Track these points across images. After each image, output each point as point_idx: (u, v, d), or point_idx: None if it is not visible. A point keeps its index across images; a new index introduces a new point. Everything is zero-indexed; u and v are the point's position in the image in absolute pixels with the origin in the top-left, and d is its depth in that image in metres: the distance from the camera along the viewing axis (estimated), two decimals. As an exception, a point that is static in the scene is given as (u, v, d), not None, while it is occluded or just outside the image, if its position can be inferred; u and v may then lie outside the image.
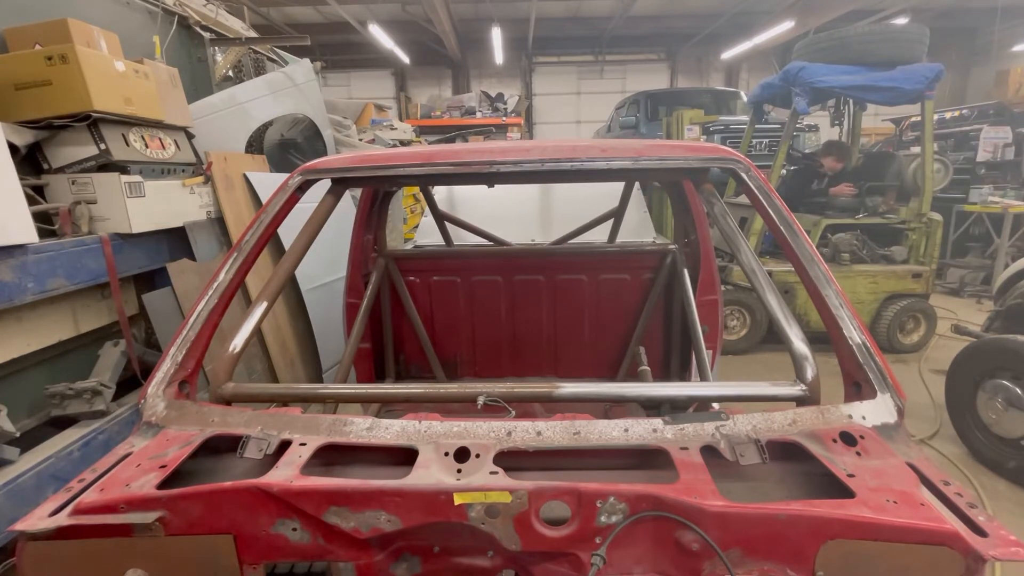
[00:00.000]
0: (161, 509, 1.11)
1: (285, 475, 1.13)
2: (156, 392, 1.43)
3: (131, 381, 2.72)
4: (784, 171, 6.06)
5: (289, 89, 4.42)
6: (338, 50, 15.46)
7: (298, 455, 1.20)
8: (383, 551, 1.17)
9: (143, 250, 2.86)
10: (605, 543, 1.08)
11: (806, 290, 1.52)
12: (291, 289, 3.76)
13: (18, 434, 2.23)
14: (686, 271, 2.75)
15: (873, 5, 12.07)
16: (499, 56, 15.33)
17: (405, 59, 15.45)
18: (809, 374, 1.35)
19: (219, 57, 4.42)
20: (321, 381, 3.87)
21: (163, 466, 1.20)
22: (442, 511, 1.10)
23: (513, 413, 1.32)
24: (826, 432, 1.24)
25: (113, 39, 2.88)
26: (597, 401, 2.39)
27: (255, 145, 4.35)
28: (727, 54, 15.50)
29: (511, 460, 1.19)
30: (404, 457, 1.21)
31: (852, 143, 6.34)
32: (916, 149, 6.18)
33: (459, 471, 1.14)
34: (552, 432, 1.25)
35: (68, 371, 2.61)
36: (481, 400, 1.34)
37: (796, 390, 1.35)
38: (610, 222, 3.38)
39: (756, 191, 1.64)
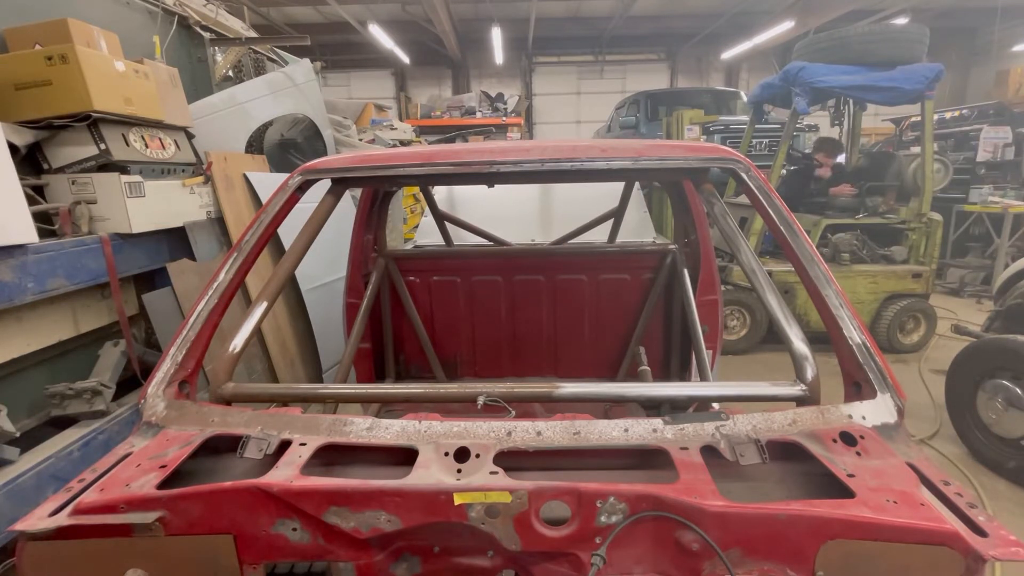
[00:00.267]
0: (161, 509, 1.11)
1: (285, 475, 1.13)
2: (156, 392, 1.43)
3: (131, 381, 2.72)
4: (784, 171, 6.06)
5: (289, 89, 4.42)
6: (338, 50, 15.46)
7: (298, 455, 1.20)
8: (383, 551, 1.17)
9: (143, 250, 2.86)
10: (605, 543, 1.08)
11: (806, 290, 1.52)
12: (291, 289, 3.76)
13: (18, 434, 2.23)
14: (686, 271, 2.75)
15: (873, 5, 12.07)
16: (499, 56, 15.33)
17: (405, 59, 15.45)
18: (809, 374, 1.35)
19: (219, 57, 4.42)
20: (321, 381, 3.87)
21: (163, 466, 1.20)
22: (442, 511, 1.10)
23: (513, 413, 1.32)
24: (826, 432, 1.24)
25: (113, 39, 2.88)
26: (597, 401, 2.38)
27: (255, 145, 4.35)
28: (727, 54, 15.50)
29: (511, 460, 1.19)
30: (404, 457, 1.21)
31: (852, 143, 6.34)
32: (916, 149, 6.18)
33: (459, 471, 1.14)
34: (552, 432, 1.25)
35: (68, 371, 2.61)
36: (481, 400, 1.34)
37: (796, 390, 1.35)
38: (610, 222, 3.38)
39: (756, 191, 1.64)
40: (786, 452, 1.24)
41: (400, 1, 12.82)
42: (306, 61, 4.84)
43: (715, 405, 1.51)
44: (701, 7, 14.37)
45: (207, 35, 4.19)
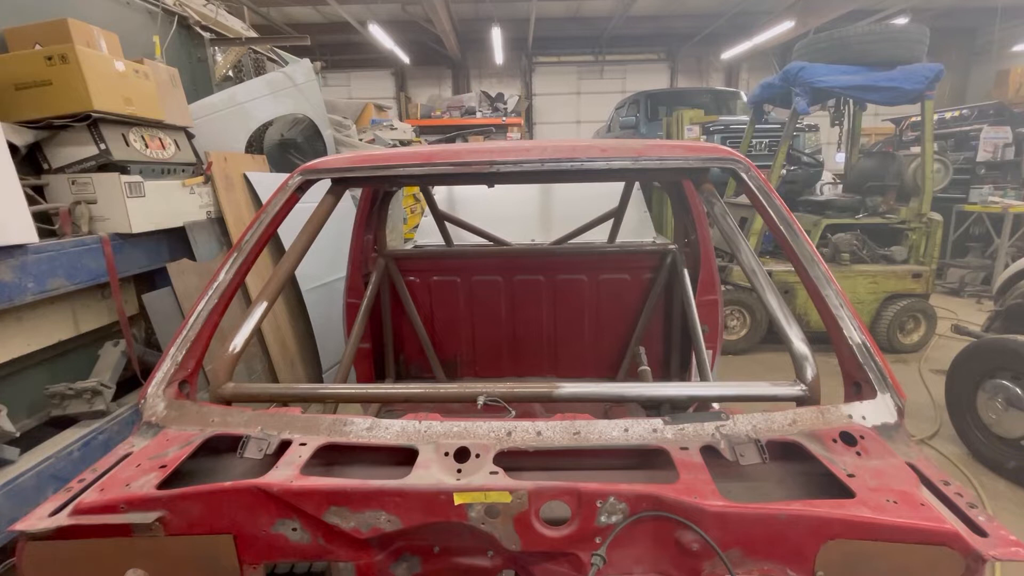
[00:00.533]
0: (161, 509, 1.11)
1: (285, 475, 1.13)
2: (156, 392, 1.43)
3: (131, 381, 2.72)
4: (784, 171, 6.06)
5: (289, 89, 4.42)
6: (338, 50, 15.45)
7: (298, 455, 1.20)
8: (383, 551, 1.17)
9: (143, 250, 2.86)
10: (605, 543, 1.08)
11: (806, 290, 1.52)
12: (291, 289, 3.76)
13: (18, 434, 2.23)
14: (686, 271, 2.75)
15: (873, 5, 12.07)
16: (499, 56, 15.33)
17: (405, 59, 15.45)
18: (809, 374, 1.35)
19: (219, 57, 4.42)
20: (321, 381, 3.87)
21: (163, 466, 1.20)
22: (442, 511, 1.10)
23: (513, 413, 1.31)
24: (826, 432, 1.24)
25: (113, 39, 2.88)
26: (597, 401, 2.39)
27: (255, 145, 4.35)
28: (727, 54, 15.50)
29: (511, 460, 1.19)
30: (404, 457, 1.21)
31: (852, 143, 6.33)
32: (916, 149, 6.18)
33: (459, 471, 1.14)
34: (552, 432, 1.25)
35: (68, 371, 2.61)
36: (481, 400, 1.34)
37: (796, 390, 1.35)
38: (610, 222, 3.38)
39: (756, 191, 1.64)
40: (786, 452, 1.24)
41: (400, 1, 12.81)
42: (306, 61, 4.84)
43: (715, 405, 1.51)
44: (701, 7, 14.37)
45: (207, 35, 4.19)
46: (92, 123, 2.63)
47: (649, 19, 15.11)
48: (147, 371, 2.35)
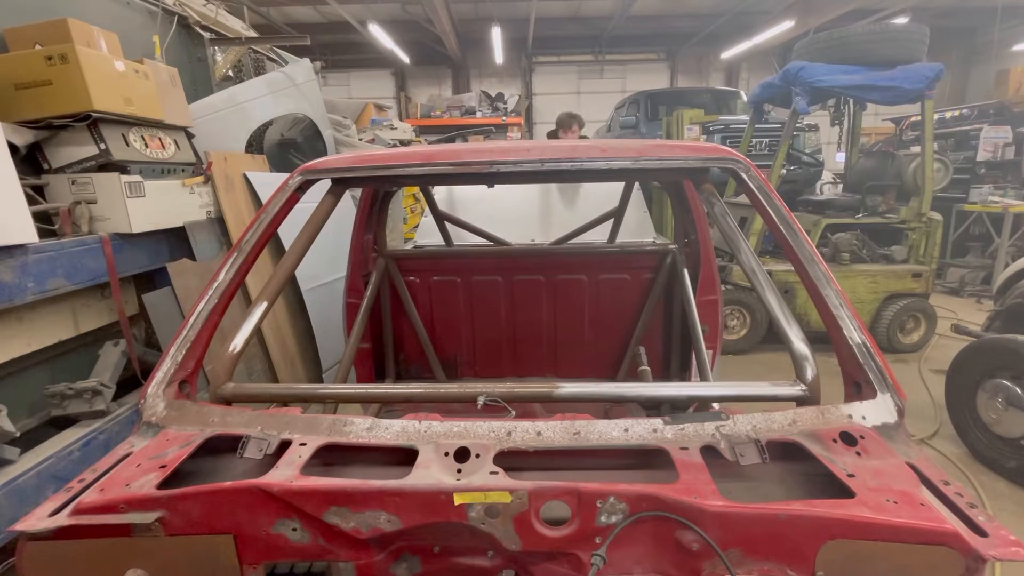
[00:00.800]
0: (161, 509, 1.11)
1: (285, 475, 1.13)
2: (156, 392, 1.43)
3: (131, 381, 2.72)
4: (784, 171, 6.06)
5: (289, 89, 4.42)
6: (338, 50, 15.45)
7: (298, 455, 1.20)
8: (383, 551, 1.17)
9: (143, 250, 2.86)
10: (605, 543, 1.08)
11: (806, 290, 1.52)
12: (291, 289, 3.76)
13: (18, 434, 2.23)
14: (686, 271, 2.74)
15: (873, 5, 12.07)
16: (499, 56, 15.33)
17: (405, 59, 15.45)
18: (809, 374, 1.35)
19: (219, 57, 4.42)
20: (321, 381, 3.87)
21: (163, 466, 1.20)
22: (442, 511, 1.10)
23: (513, 413, 1.31)
24: (826, 432, 1.24)
25: (113, 39, 2.88)
26: (597, 401, 2.39)
27: (255, 145, 4.35)
28: (727, 54, 15.50)
29: (511, 460, 1.19)
30: (404, 457, 1.21)
31: (852, 143, 6.34)
32: (916, 149, 6.18)
33: (459, 471, 1.14)
34: (552, 432, 1.25)
35: (68, 371, 2.61)
36: (481, 400, 1.34)
37: (796, 390, 1.35)
38: (610, 222, 3.38)
39: (756, 191, 1.64)
40: (786, 452, 1.24)
41: (400, 1, 12.81)
42: (306, 61, 4.84)
43: (715, 405, 1.51)
44: (701, 7, 14.37)
45: (207, 35, 4.19)
46: (92, 123, 2.63)
47: (649, 19, 15.11)
48: (147, 371, 2.34)
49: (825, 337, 1.50)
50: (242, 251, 1.64)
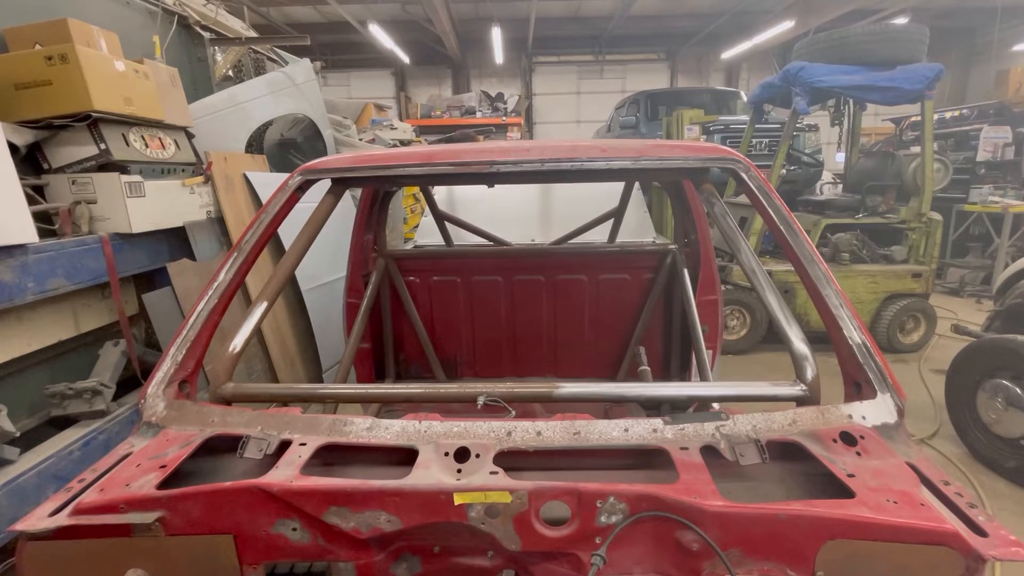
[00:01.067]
0: (161, 509, 1.11)
1: (285, 475, 1.13)
2: (156, 392, 1.43)
3: (131, 381, 2.72)
4: (784, 171, 6.06)
5: (289, 89, 4.42)
6: (338, 50, 15.45)
7: (298, 455, 1.20)
8: (383, 551, 1.17)
9: (143, 250, 2.86)
10: (605, 543, 1.08)
11: (806, 290, 1.52)
12: (291, 289, 3.76)
13: (18, 434, 2.23)
14: (686, 271, 2.74)
15: (873, 5, 12.07)
16: (499, 56, 15.33)
17: (405, 59, 15.45)
18: (809, 374, 1.35)
19: (219, 57, 4.42)
20: (321, 381, 3.87)
21: (163, 466, 1.20)
22: (442, 511, 1.10)
23: (513, 413, 1.31)
24: (826, 432, 1.24)
25: (113, 39, 2.88)
26: (597, 401, 2.38)
27: (255, 145, 4.35)
28: (727, 54, 15.50)
29: (511, 460, 1.19)
30: (404, 457, 1.21)
31: (852, 143, 6.34)
32: (916, 149, 6.18)
33: (459, 471, 1.14)
34: (552, 432, 1.25)
35: (68, 371, 2.61)
36: (481, 400, 1.34)
37: (796, 390, 1.35)
38: (610, 222, 3.38)
39: (756, 191, 1.64)
40: (786, 452, 1.24)
41: (400, 1, 12.81)
42: (306, 61, 4.84)
43: (715, 405, 1.51)
44: (701, 7, 14.37)
45: (207, 35, 4.19)
46: (92, 123, 2.63)
47: (649, 19, 15.11)
48: (147, 371, 2.35)
49: (825, 337, 1.50)
50: (242, 251, 1.65)
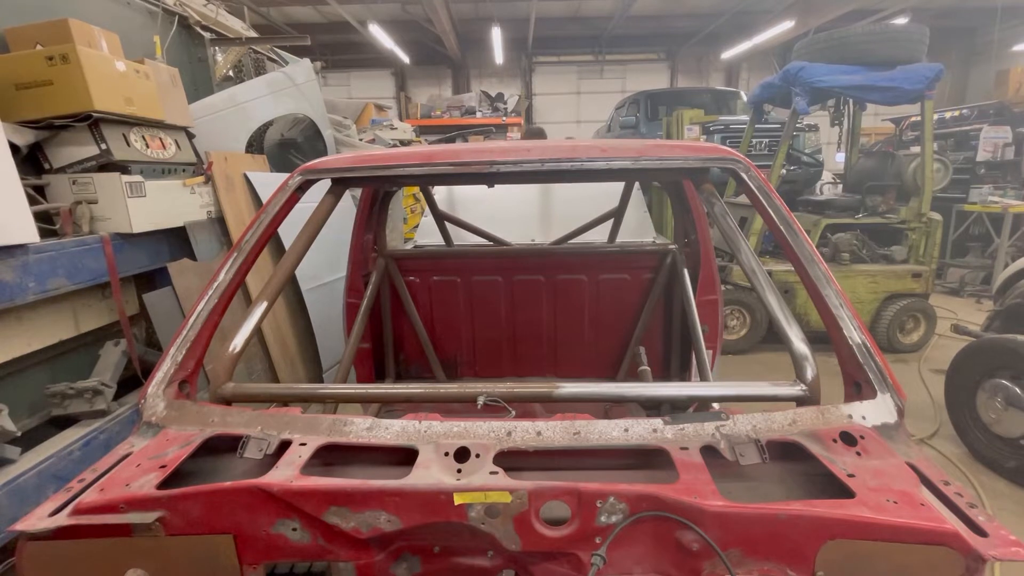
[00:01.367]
0: (161, 509, 1.11)
1: (285, 475, 1.13)
2: (156, 392, 1.43)
3: (131, 381, 2.73)
4: (784, 171, 6.06)
5: (289, 89, 4.42)
6: (338, 50, 15.45)
7: (298, 455, 1.20)
8: (383, 551, 1.17)
9: (144, 250, 2.86)
10: (605, 543, 1.08)
11: (806, 290, 1.52)
12: (291, 289, 3.76)
13: (19, 433, 2.23)
14: (686, 271, 2.74)
15: (873, 5, 12.07)
16: (499, 56, 15.33)
17: (405, 59, 15.45)
18: (809, 374, 1.35)
19: (219, 57, 4.42)
20: (321, 381, 3.87)
21: (163, 466, 1.20)
22: (442, 511, 1.10)
23: (513, 413, 1.31)
24: (826, 432, 1.24)
25: (114, 39, 2.88)
26: (597, 401, 2.39)
27: (255, 145, 4.35)
28: (727, 54, 15.50)
29: (511, 460, 1.19)
30: (404, 457, 1.21)
31: (852, 143, 6.34)
32: (916, 149, 6.18)
33: (459, 471, 1.14)
34: (552, 432, 1.25)
35: (69, 371, 2.61)
36: (481, 400, 1.34)
37: (796, 390, 1.35)
38: (610, 222, 3.38)
39: (756, 191, 1.64)
40: (786, 452, 1.24)
41: (400, 1, 12.81)
42: (306, 61, 4.84)
43: (715, 405, 1.51)
44: (701, 7, 14.37)
45: (207, 35, 4.19)
46: (93, 123, 2.63)
47: (649, 19, 15.11)
48: (147, 371, 2.35)
49: (825, 337, 1.50)
50: (242, 251, 1.65)
